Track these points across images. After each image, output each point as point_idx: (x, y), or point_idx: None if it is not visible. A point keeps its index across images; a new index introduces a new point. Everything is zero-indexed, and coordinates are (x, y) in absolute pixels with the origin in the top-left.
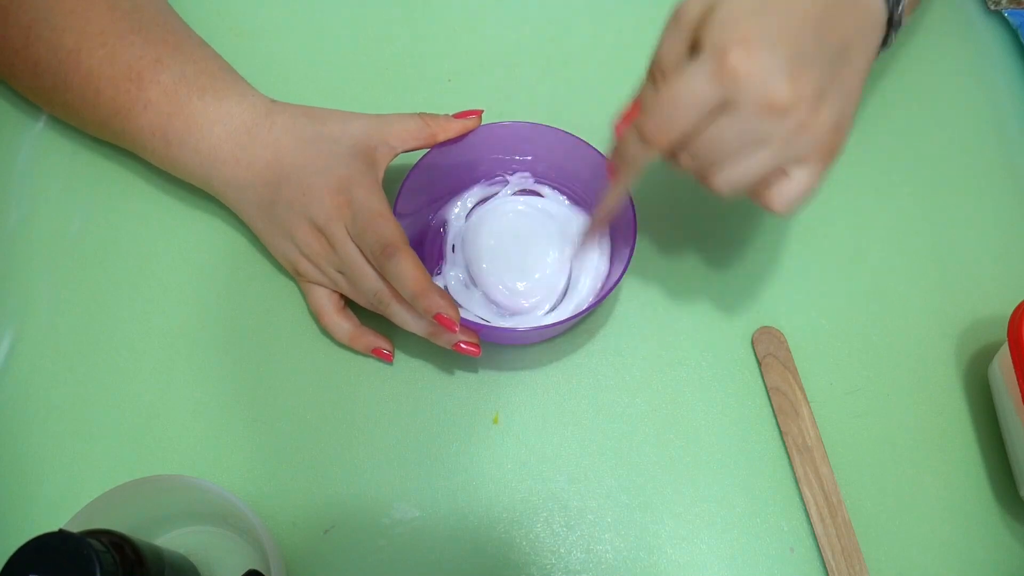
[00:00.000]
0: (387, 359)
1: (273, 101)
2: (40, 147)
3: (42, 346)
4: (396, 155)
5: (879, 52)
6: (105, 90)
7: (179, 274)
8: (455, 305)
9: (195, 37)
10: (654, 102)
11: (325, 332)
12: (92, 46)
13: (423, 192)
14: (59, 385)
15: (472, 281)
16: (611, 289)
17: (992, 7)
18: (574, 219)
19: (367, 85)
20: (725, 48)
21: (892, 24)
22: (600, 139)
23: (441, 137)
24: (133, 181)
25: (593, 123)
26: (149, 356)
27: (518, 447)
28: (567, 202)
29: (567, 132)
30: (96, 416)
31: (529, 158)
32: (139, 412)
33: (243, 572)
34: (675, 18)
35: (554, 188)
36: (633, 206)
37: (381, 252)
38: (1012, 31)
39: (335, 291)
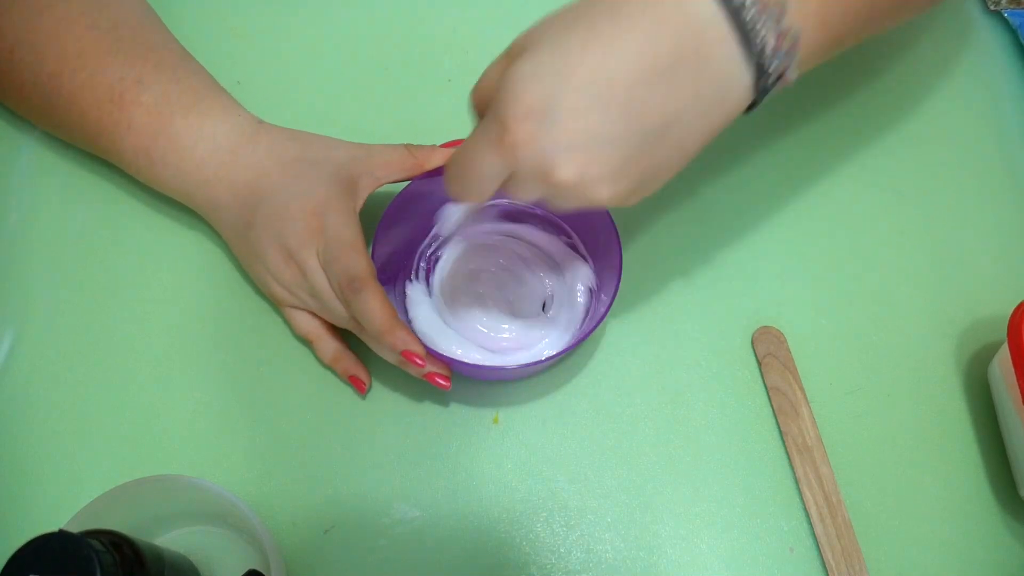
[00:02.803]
0: (360, 390)
1: (259, 121)
2: (41, 147)
3: (42, 346)
4: (379, 185)
5: (741, 114)
6: (89, 112)
7: (179, 274)
8: (419, 341)
9: (178, 52)
10: (450, 165)
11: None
12: (73, 69)
13: (405, 222)
14: (59, 385)
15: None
16: (592, 330)
17: (992, 7)
18: (552, 244)
19: (367, 85)
20: (505, 120)
21: (764, 90)
22: None
23: (427, 167)
24: (133, 181)
25: None
26: (149, 356)
27: (518, 447)
28: (541, 230)
29: None
30: (96, 416)
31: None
32: (139, 412)
33: (243, 572)
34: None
35: (536, 215)
36: (620, 247)
37: (347, 286)
38: (1012, 31)
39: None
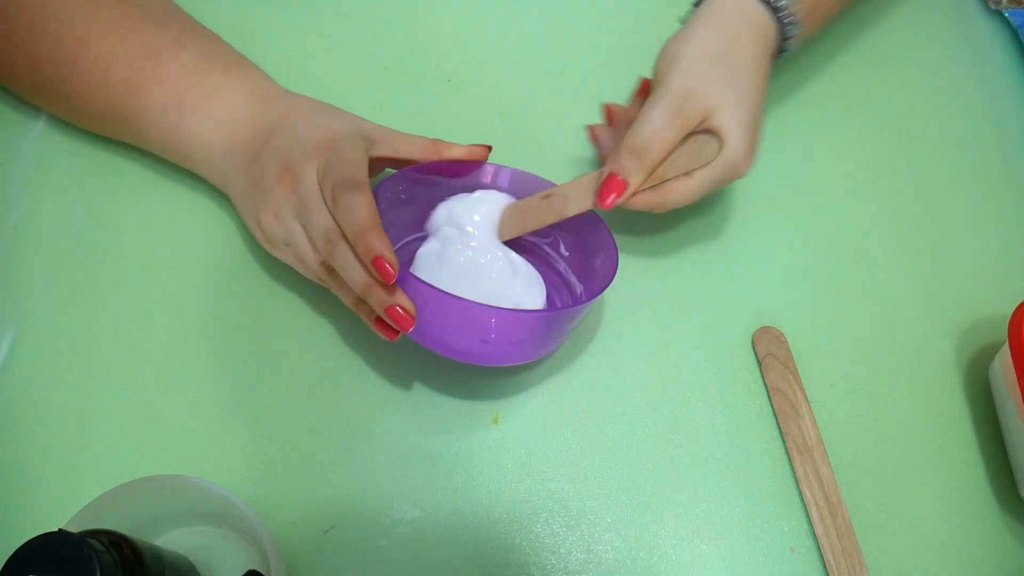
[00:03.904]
0: (406, 324)
1: (293, 93)
2: (40, 147)
3: (42, 346)
4: (395, 155)
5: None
6: (117, 70)
7: (179, 274)
8: (396, 257)
9: (208, 29)
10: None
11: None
12: (103, 32)
13: (405, 206)
14: (59, 385)
15: None
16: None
17: (992, 7)
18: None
19: (367, 85)
20: (737, 161)
21: (782, 50)
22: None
23: (445, 155)
24: (133, 181)
25: (593, 123)
26: (149, 356)
27: (518, 447)
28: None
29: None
30: (96, 416)
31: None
32: (139, 412)
33: (243, 572)
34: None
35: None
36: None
37: (342, 183)
38: (1012, 31)
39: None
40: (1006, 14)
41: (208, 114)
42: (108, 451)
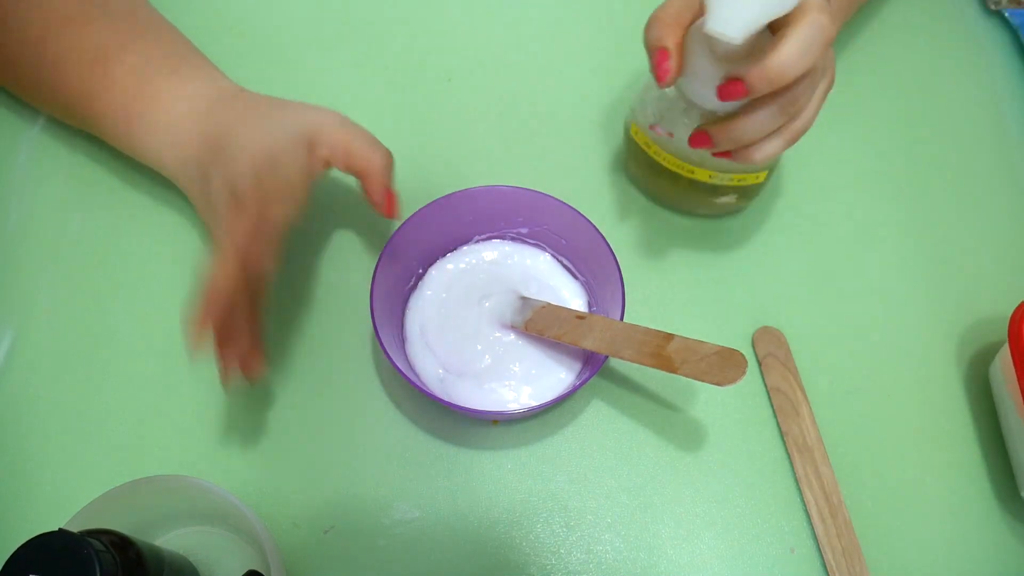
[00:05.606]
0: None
1: (241, 88)
2: (39, 148)
3: (42, 346)
4: (336, 159)
5: None
6: (71, 75)
7: (179, 273)
8: (211, 323)
9: (164, 22)
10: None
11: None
12: (57, 34)
13: (408, 251)
14: (59, 385)
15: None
16: (580, 385)
17: (992, 7)
18: (559, 279)
19: (367, 85)
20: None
21: None
22: (602, 139)
23: (391, 214)
24: (132, 181)
25: (595, 124)
26: (149, 356)
27: (518, 447)
28: (551, 259)
29: (565, 203)
30: (96, 416)
31: (524, 229)
32: (139, 412)
33: (243, 572)
34: None
35: (547, 250)
36: (620, 272)
37: (220, 243)
38: (1012, 31)
39: None
40: (1006, 14)
41: (153, 125)
42: (108, 450)
